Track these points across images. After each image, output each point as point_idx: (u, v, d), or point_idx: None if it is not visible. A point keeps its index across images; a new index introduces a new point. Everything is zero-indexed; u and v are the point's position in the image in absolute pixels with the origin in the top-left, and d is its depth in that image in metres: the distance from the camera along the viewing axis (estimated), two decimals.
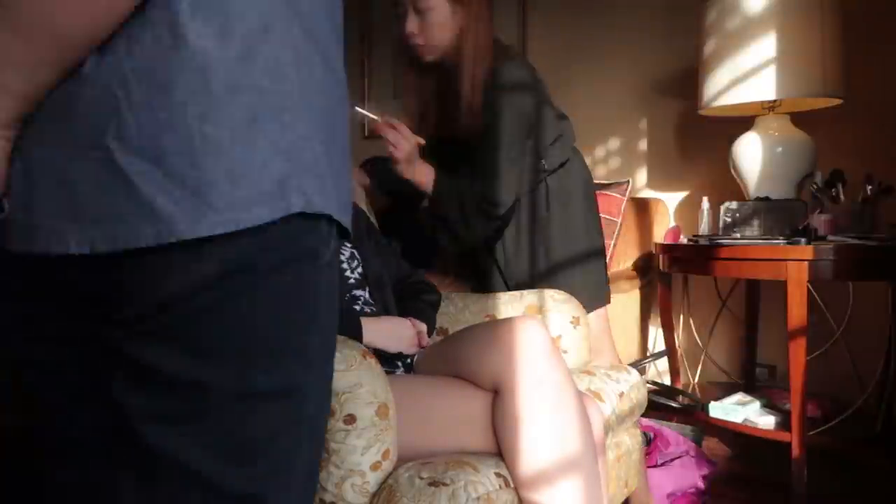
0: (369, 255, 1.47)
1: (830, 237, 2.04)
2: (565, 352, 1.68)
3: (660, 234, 2.64)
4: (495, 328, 1.15)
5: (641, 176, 2.87)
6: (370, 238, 1.54)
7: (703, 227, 2.39)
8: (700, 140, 2.71)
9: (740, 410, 2.15)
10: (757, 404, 2.20)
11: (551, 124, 1.78)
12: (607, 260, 2.21)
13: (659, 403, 2.32)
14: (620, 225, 2.57)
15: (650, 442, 1.98)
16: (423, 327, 1.46)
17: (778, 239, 2.06)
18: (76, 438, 0.63)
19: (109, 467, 0.60)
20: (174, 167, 0.53)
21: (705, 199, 2.41)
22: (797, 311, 1.93)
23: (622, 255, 2.65)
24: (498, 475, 1.05)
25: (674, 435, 2.01)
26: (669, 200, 2.78)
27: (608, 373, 1.59)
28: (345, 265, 1.41)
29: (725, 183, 2.50)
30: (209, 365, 0.57)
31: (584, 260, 1.83)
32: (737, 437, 2.33)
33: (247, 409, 0.59)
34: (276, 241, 0.58)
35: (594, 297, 1.85)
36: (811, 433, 2.02)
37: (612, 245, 2.54)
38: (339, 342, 1.04)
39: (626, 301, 2.54)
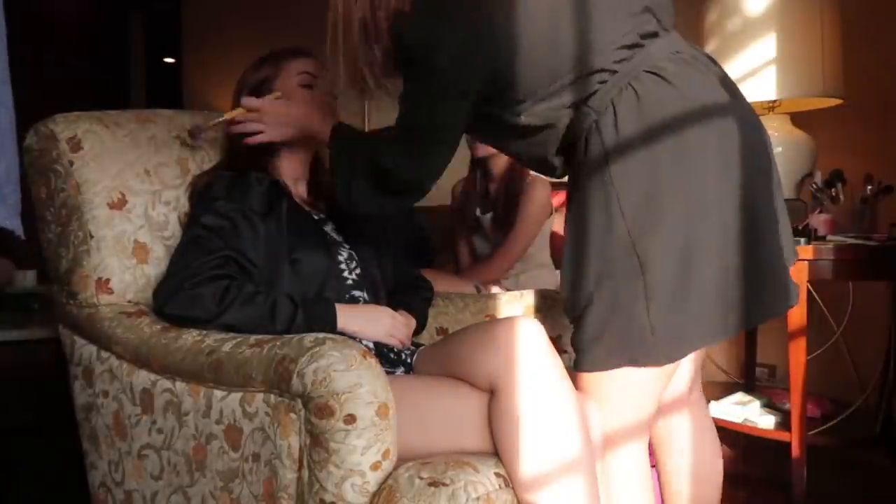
0: (367, 255, 1.47)
1: (830, 237, 2.04)
2: (565, 352, 1.68)
3: None
4: (491, 328, 1.15)
5: None
6: (369, 238, 1.54)
7: None
8: None
9: (740, 410, 2.15)
10: (757, 404, 2.20)
11: None
12: None
13: None
14: None
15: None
16: (411, 320, 1.46)
17: None
18: None
19: None
20: None
21: None
22: (797, 311, 1.93)
23: None
24: (498, 475, 1.05)
25: None
26: None
27: None
28: (343, 266, 1.41)
29: None
30: None
31: None
32: (737, 437, 2.34)
33: None
34: None
35: None
36: (811, 433, 2.02)
37: None
38: (339, 342, 1.04)
39: None
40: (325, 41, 1.26)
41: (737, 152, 1.11)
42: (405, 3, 1.18)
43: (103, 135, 1.35)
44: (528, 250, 2.29)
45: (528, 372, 1.08)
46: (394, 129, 1.22)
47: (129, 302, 1.33)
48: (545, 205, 2.30)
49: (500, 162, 2.32)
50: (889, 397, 2.21)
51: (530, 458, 1.04)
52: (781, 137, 2.26)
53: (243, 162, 1.41)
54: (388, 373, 1.15)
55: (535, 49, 1.11)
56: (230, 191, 1.33)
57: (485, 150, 2.27)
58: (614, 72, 1.11)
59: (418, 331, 1.51)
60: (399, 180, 1.23)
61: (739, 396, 2.27)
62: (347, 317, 1.30)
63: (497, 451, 1.09)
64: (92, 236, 1.30)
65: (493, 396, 1.10)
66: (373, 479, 1.00)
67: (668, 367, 1.14)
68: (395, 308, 1.43)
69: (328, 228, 1.46)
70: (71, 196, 1.30)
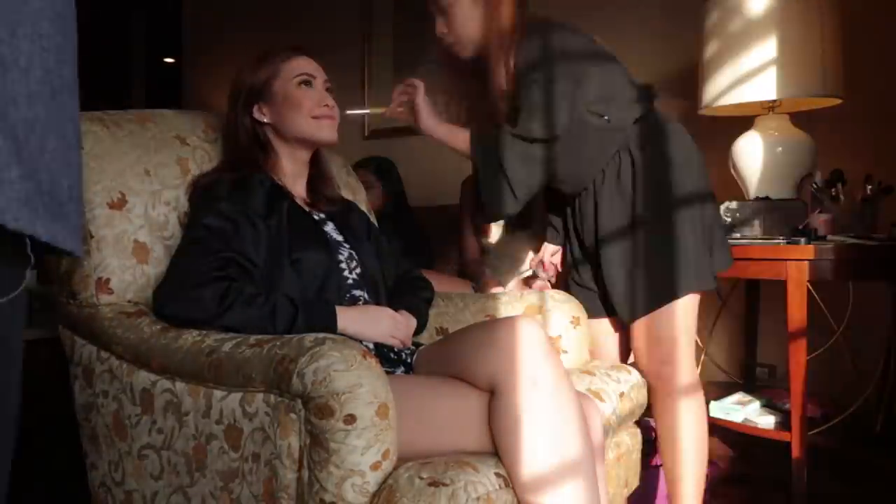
0: (367, 255, 1.47)
1: (830, 237, 2.04)
2: (565, 352, 1.68)
3: None
4: (492, 328, 1.15)
5: None
6: (369, 239, 1.54)
7: None
8: (700, 140, 2.68)
9: (740, 410, 2.15)
10: (757, 404, 2.20)
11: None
12: None
13: None
14: None
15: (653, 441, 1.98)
16: (412, 320, 1.46)
17: (778, 239, 2.06)
18: None
19: None
20: None
21: None
22: (797, 311, 1.93)
23: None
24: (498, 475, 1.05)
25: None
26: None
27: (608, 373, 1.59)
28: (343, 265, 1.41)
29: (725, 183, 2.49)
30: None
31: None
32: (737, 437, 2.33)
33: None
34: None
35: None
36: (811, 433, 2.02)
37: None
38: (338, 342, 1.04)
39: None
40: (324, 41, 1.30)
41: None
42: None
43: (103, 135, 1.35)
44: None
45: (528, 372, 1.07)
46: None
47: (129, 302, 1.33)
48: None
49: None
50: (889, 397, 2.21)
51: (530, 458, 1.04)
52: (781, 137, 2.26)
53: (244, 163, 1.41)
54: (388, 373, 1.15)
55: None
56: (232, 192, 1.33)
57: None
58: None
59: (419, 331, 1.51)
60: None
61: (739, 396, 2.27)
62: (347, 318, 1.29)
63: (497, 451, 1.09)
64: (92, 236, 1.30)
65: (494, 396, 1.10)
66: (373, 479, 1.00)
67: None
68: (396, 308, 1.43)
69: (328, 228, 1.46)
70: None
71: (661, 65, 2.79)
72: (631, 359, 1.78)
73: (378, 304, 1.43)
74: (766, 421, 2.10)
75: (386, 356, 1.31)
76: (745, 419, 2.13)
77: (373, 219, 1.73)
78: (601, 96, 1.62)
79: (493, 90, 1.63)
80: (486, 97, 1.68)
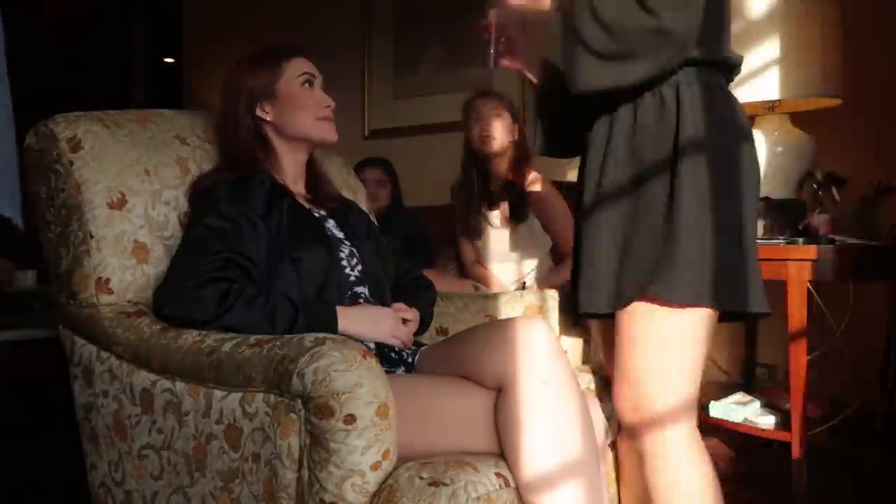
0: (368, 253, 1.47)
1: (830, 237, 2.04)
2: (565, 351, 1.68)
3: None
4: (501, 327, 1.16)
5: None
6: (370, 238, 1.54)
7: None
8: None
9: (740, 410, 2.15)
10: (757, 404, 2.20)
11: None
12: None
13: None
14: None
15: None
16: (413, 315, 1.44)
17: (778, 239, 2.06)
18: None
19: None
20: None
21: None
22: (797, 312, 1.93)
23: None
24: (498, 475, 1.05)
25: None
26: None
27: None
28: (344, 262, 1.41)
29: None
30: None
31: None
32: (737, 437, 2.34)
33: None
34: None
35: None
36: (811, 433, 2.02)
37: None
38: (338, 342, 1.04)
39: None
40: (324, 41, 1.27)
41: None
42: None
43: (103, 135, 1.35)
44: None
45: (538, 371, 1.08)
46: None
47: (129, 302, 1.32)
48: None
49: (503, 161, 2.37)
50: (889, 397, 2.21)
51: (535, 459, 1.05)
52: (781, 137, 2.26)
53: (244, 163, 1.41)
54: (388, 372, 1.15)
55: None
56: (232, 192, 1.33)
57: (500, 145, 2.35)
58: None
59: (421, 331, 1.51)
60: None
61: (739, 396, 2.27)
62: (348, 318, 1.29)
63: (502, 449, 1.09)
64: (92, 236, 1.30)
65: (501, 395, 1.10)
66: (373, 479, 1.00)
67: None
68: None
69: (329, 225, 1.46)
70: (71, 196, 1.30)
71: None
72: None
73: (382, 302, 1.43)
74: (766, 421, 2.10)
75: (387, 356, 1.31)
76: (745, 419, 2.13)
77: (373, 218, 1.73)
78: None
79: None
80: None
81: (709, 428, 2.30)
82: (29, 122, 1.35)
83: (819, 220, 2.08)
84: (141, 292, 1.34)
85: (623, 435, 1.31)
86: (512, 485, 1.06)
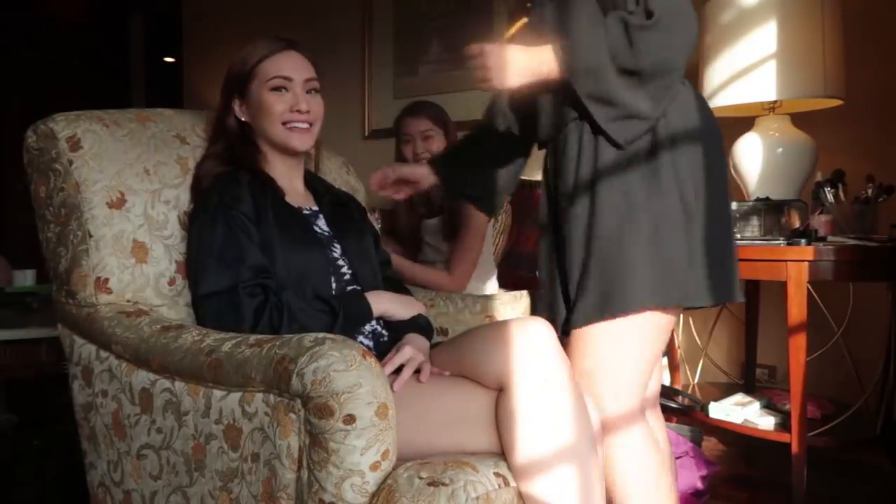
0: (361, 250, 1.47)
1: (831, 238, 2.04)
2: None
3: None
4: (502, 327, 1.16)
5: None
6: (363, 236, 1.53)
7: None
8: None
9: (740, 411, 2.15)
10: (757, 405, 2.20)
11: None
12: None
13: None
14: None
15: None
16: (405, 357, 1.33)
17: (778, 239, 2.06)
18: None
19: None
20: None
21: None
22: (797, 312, 1.93)
23: None
24: (497, 475, 1.05)
25: (673, 435, 2.01)
26: None
27: None
28: (338, 261, 1.42)
29: None
30: None
31: None
32: (737, 437, 2.33)
33: None
34: None
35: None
36: (811, 433, 2.02)
37: None
38: (338, 342, 1.04)
39: None
40: (324, 40, 1.27)
41: None
42: None
43: (103, 134, 1.35)
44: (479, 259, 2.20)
45: (539, 370, 1.10)
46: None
47: (128, 301, 1.32)
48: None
49: None
50: (889, 397, 2.21)
51: (530, 446, 1.06)
52: (782, 138, 2.26)
53: (233, 158, 1.41)
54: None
55: None
56: (224, 193, 1.32)
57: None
58: None
59: (429, 336, 1.50)
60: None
61: (739, 397, 2.27)
62: (381, 301, 1.40)
63: (502, 447, 1.10)
64: (91, 235, 1.30)
65: (502, 394, 1.12)
66: (372, 479, 1.00)
67: None
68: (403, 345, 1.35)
69: (319, 223, 1.46)
70: (70, 195, 1.30)
71: None
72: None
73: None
74: (766, 422, 2.10)
75: (385, 355, 1.31)
76: (745, 420, 2.13)
77: (369, 215, 1.72)
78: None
79: None
80: None
81: (709, 429, 2.30)
82: (29, 122, 1.35)
83: (819, 220, 2.08)
84: (140, 292, 1.34)
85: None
86: (511, 484, 1.06)
